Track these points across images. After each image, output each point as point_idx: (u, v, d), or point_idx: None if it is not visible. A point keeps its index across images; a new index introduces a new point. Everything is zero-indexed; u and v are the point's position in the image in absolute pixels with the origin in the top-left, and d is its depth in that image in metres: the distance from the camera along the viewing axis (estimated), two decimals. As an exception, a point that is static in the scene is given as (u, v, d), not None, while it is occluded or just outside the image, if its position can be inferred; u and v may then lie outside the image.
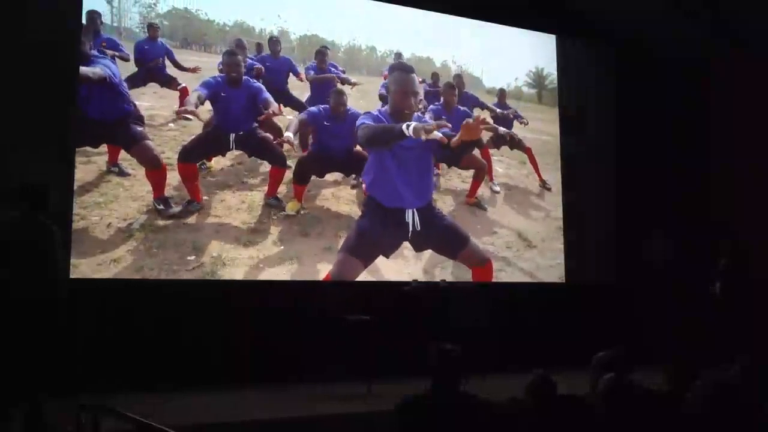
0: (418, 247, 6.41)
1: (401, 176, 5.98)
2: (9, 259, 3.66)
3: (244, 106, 6.17)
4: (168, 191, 5.76)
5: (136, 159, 5.73)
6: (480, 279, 6.67)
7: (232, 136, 6.12)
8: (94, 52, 5.71)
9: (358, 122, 5.94)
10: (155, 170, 5.75)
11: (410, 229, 6.12)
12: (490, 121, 7.20)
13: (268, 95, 6.25)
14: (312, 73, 6.69)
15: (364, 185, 6.37)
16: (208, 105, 6.03)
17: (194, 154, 5.92)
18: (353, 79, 6.78)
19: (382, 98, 6.74)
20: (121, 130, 5.74)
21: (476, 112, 7.29)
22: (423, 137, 5.44)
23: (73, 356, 4.65)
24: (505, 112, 7.54)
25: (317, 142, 6.44)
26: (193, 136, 5.95)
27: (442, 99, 7.05)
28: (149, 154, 5.76)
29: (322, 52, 6.70)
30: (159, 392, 4.74)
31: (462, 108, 7.11)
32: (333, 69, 6.76)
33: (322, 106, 6.47)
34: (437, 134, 5.53)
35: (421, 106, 6.61)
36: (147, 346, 5.16)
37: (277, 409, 4.50)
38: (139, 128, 5.80)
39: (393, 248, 6.29)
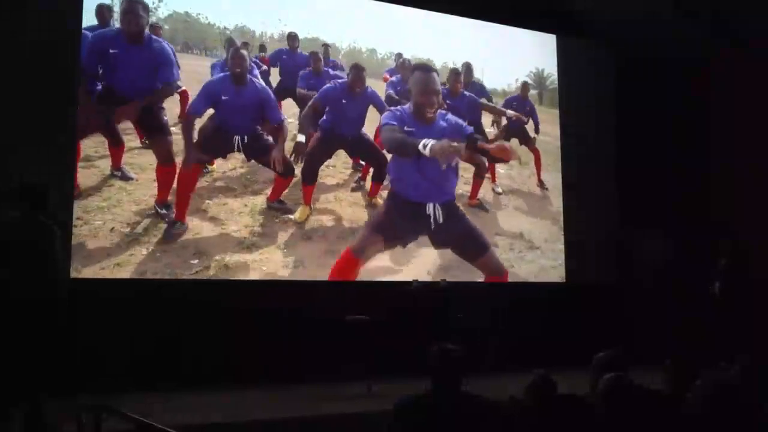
0: (438, 244, 6.44)
1: (424, 171, 6.04)
2: (9, 259, 3.65)
3: (249, 108, 6.04)
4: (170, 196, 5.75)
5: (154, 149, 5.69)
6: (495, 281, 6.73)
7: (237, 138, 6.02)
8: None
9: (382, 121, 6.09)
10: (167, 166, 5.69)
11: (432, 222, 6.21)
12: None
13: (280, 114, 6.17)
14: (303, 86, 6.55)
15: (388, 182, 6.44)
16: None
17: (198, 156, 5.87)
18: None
19: (391, 100, 6.74)
20: (150, 110, 5.66)
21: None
22: (439, 158, 5.70)
23: (73, 356, 4.65)
24: (517, 119, 7.50)
25: (328, 122, 6.36)
26: (196, 140, 5.86)
27: (447, 85, 7.03)
28: (169, 149, 5.72)
29: (315, 54, 6.57)
30: (159, 392, 4.74)
31: (468, 93, 7.14)
32: (330, 71, 6.70)
33: (339, 80, 6.45)
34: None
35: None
36: (147, 346, 5.16)
37: (278, 409, 4.50)
38: (166, 119, 5.76)
39: (411, 237, 6.35)
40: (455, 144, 5.88)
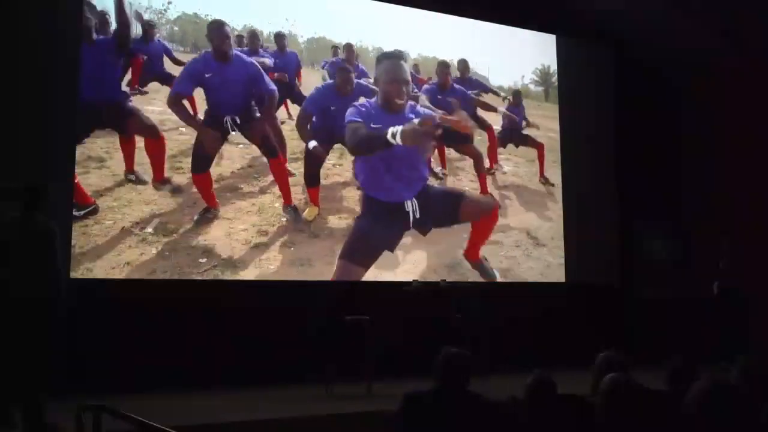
0: (423, 231, 6.35)
1: (391, 172, 5.93)
2: (9, 259, 3.66)
3: (236, 85, 5.94)
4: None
5: (138, 133, 5.64)
6: (487, 225, 6.66)
7: (228, 119, 5.95)
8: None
9: (347, 118, 5.82)
10: (155, 139, 5.65)
11: (411, 218, 6.13)
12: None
13: (271, 84, 6.04)
14: (326, 67, 6.52)
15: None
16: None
17: (203, 160, 5.85)
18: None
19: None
20: (116, 112, 5.65)
21: (482, 97, 7.32)
22: (411, 144, 5.46)
23: (73, 356, 4.65)
24: (509, 120, 7.47)
25: (319, 127, 6.23)
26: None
27: (436, 78, 6.97)
28: (147, 123, 5.67)
29: (348, 48, 6.54)
30: (159, 392, 4.74)
31: (458, 86, 7.05)
32: (359, 65, 6.67)
33: (323, 84, 6.34)
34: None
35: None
36: (148, 346, 5.16)
37: (278, 409, 4.50)
38: (131, 104, 5.70)
39: (396, 240, 6.25)
40: (426, 121, 5.60)
